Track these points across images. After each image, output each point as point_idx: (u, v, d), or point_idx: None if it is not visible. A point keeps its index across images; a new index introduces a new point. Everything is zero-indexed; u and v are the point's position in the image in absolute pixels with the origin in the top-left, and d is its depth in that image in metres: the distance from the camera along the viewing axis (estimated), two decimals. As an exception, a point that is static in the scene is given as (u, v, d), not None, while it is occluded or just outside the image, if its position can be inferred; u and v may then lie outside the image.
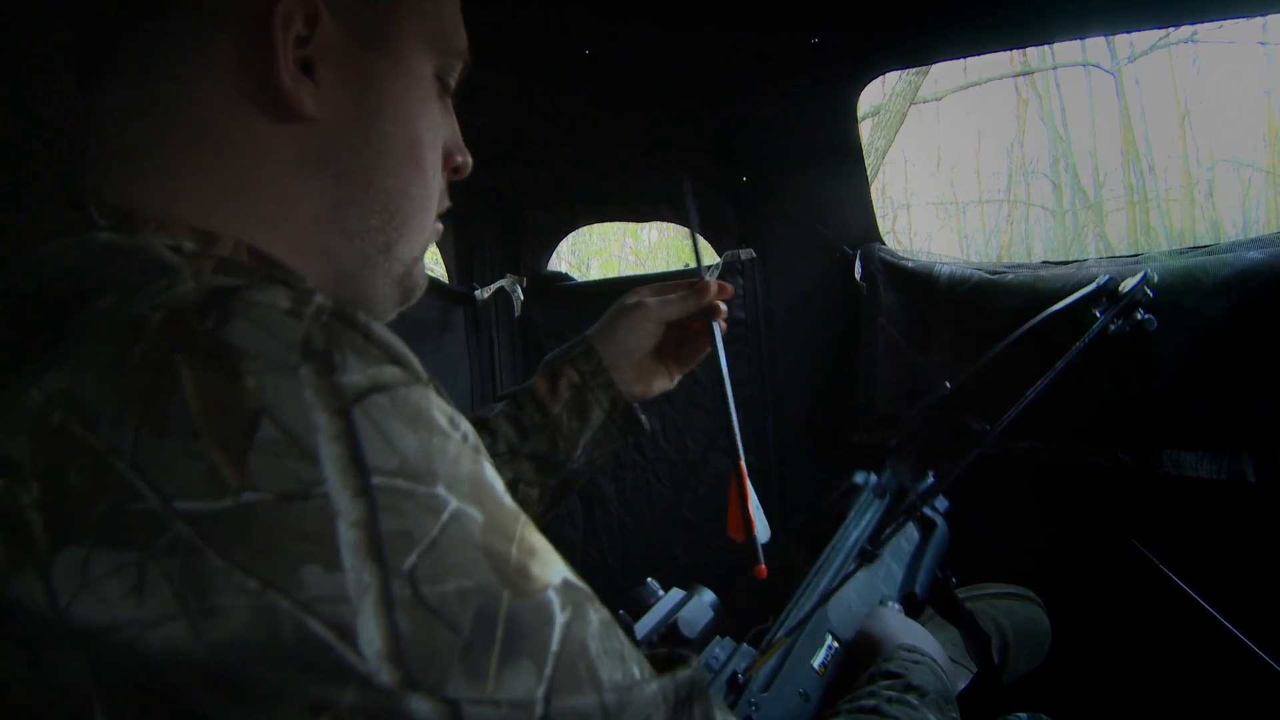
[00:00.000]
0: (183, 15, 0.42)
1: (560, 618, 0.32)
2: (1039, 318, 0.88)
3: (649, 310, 0.83)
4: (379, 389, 0.32)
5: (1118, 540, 1.12)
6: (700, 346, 0.85)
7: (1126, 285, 0.86)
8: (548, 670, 0.31)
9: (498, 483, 0.35)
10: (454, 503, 0.31)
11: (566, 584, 0.34)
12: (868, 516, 0.83)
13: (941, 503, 0.87)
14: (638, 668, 0.35)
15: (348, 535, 0.29)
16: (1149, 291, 0.86)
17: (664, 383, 0.88)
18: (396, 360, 0.34)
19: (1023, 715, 0.74)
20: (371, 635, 0.28)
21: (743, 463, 0.69)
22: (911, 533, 0.85)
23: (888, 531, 0.80)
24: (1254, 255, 1.00)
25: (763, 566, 0.62)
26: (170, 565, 0.27)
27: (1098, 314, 0.84)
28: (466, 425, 0.37)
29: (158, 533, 0.28)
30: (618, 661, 0.34)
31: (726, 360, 0.78)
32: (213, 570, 0.27)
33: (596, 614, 0.34)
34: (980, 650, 0.77)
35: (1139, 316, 0.85)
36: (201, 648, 0.27)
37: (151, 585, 0.27)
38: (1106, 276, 0.87)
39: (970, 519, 1.16)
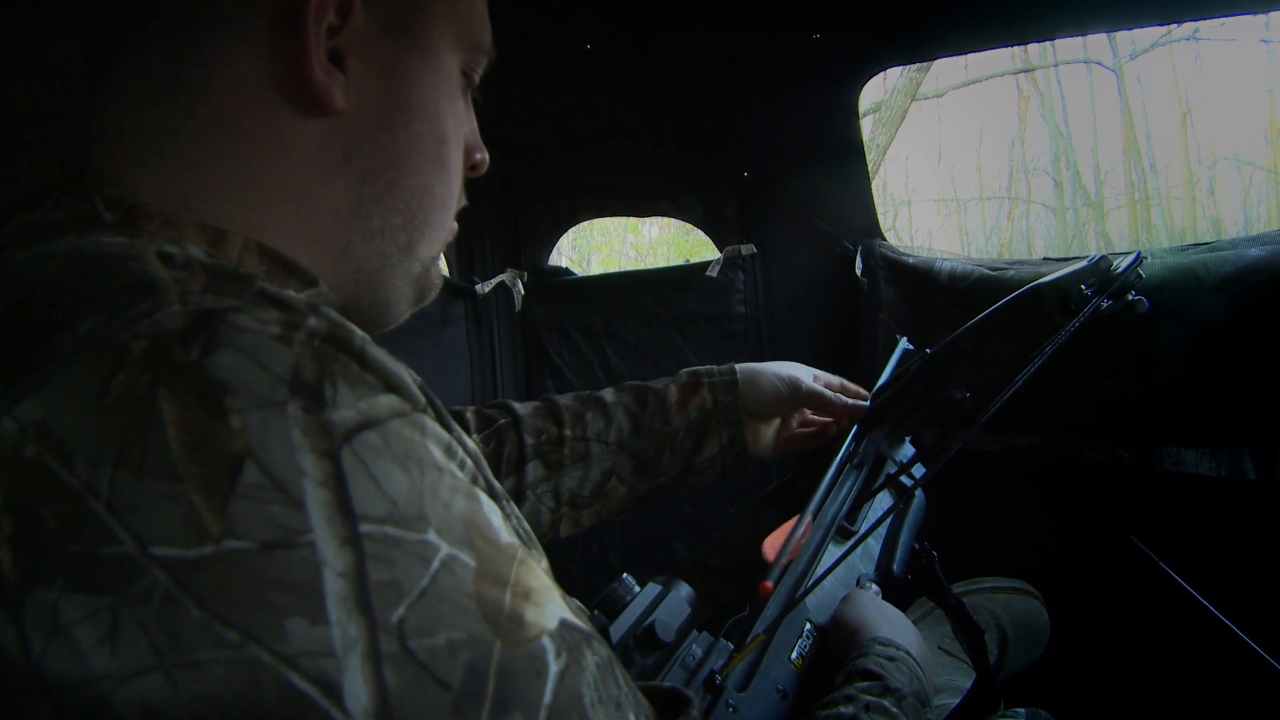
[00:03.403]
0: None
1: (554, 667, 0.31)
2: (1023, 289, 0.86)
3: (801, 387, 0.86)
4: (370, 425, 0.30)
5: (1117, 536, 1.13)
6: (810, 440, 0.89)
7: (1119, 265, 0.83)
8: None
9: (494, 517, 0.33)
10: (445, 549, 0.30)
11: (563, 626, 0.32)
12: (845, 490, 0.81)
13: (918, 470, 0.85)
14: (634, 714, 0.34)
15: (334, 586, 0.27)
16: (1141, 272, 0.83)
17: (768, 450, 0.90)
18: (392, 387, 0.33)
19: (1021, 711, 0.74)
20: (358, 692, 0.27)
21: (811, 518, 0.72)
22: (889, 506, 0.82)
23: (866, 508, 0.78)
24: (1255, 252, 0.99)
25: (769, 584, 0.64)
26: (146, 614, 0.26)
27: (1087, 292, 0.82)
28: (465, 451, 0.35)
29: (133, 579, 0.26)
30: (613, 709, 0.32)
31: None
32: (191, 621, 0.26)
33: (594, 657, 0.33)
34: (974, 646, 0.75)
35: (1130, 298, 0.83)
36: (179, 704, 0.26)
37: (126, 634, 0.26)
38: (1100, 255, 0.85)
39: (970, 514, 1.16)
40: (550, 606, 0.33)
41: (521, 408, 0.84)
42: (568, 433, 0.83)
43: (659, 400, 0.85)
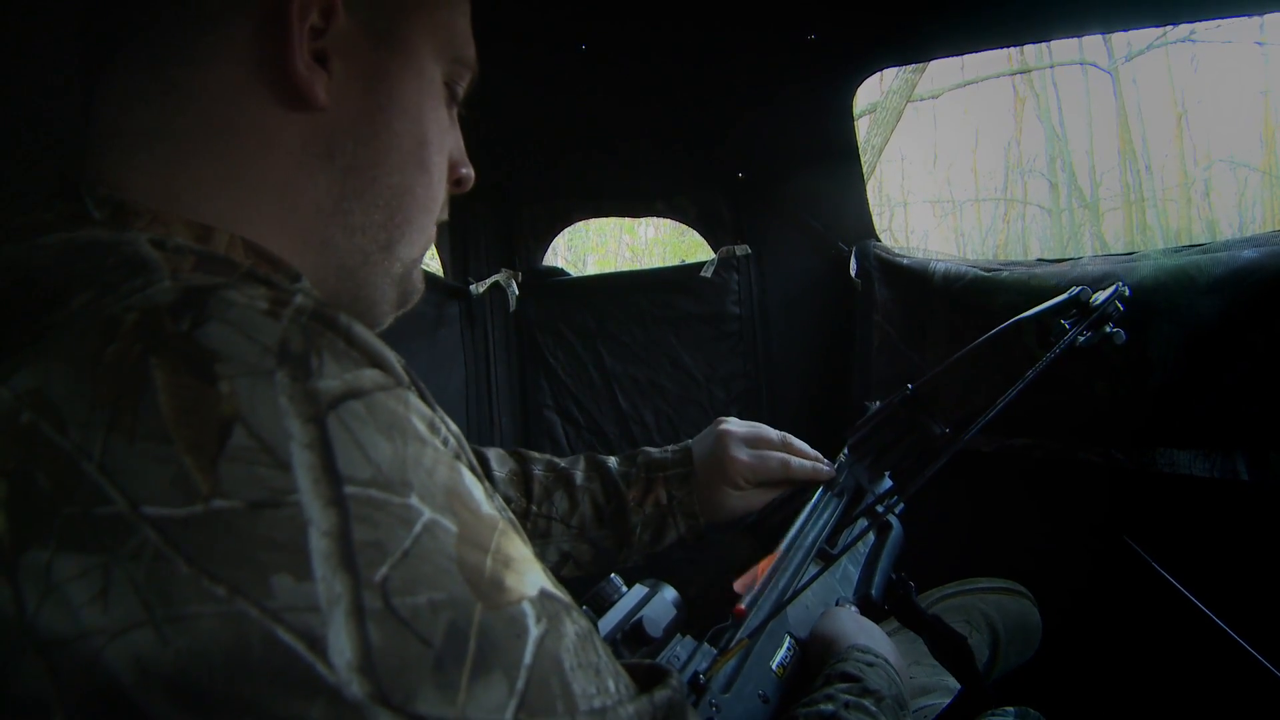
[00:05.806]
0: None
1: (534, 631, 0.31)
2: (1004, 325, 0.86)
3: (735, 458, 0.83)
4: (355, 395, 0.31)
5: (1110, 537, 1.13)
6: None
7: (1098, 298, 0.84)
8: (519, 685, 0.30)
9: (476, 490, 0.34)
10: (427, 514, 0.31)
11: (543, 594, 0.33)
12: (825, 516, 0.82)
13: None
14: (614, 682, 0.34)
15: (319, 545, 0.28)
16: (1120, 305, 0.84)
17: (734, 515, 0.86)
18: (376, 363, 0.33)
19: (1010, 710, 0.74)
20: (342, 646, 0.27)
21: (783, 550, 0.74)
22: (865, 527, 0.83)
23: (845, 534, 0.79)
24: (1248, 254, 1.00)
25: (743, 607, 0.65)
26: (136, 571, 0.27)
27: (1066, 325, 0.82)
28: (448, 430, 0.36)
29: (125, 537, 0.27)
30: (592, 676, 0.33)
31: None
32: (180, 577, 0.27)
33: (573, 625, 0.34)
34: (956, 660, 0.75)
35: (1107, 330, 0.83)
36: (168, 658, 0.26)
37: (117, 590, 0.27)
38: (1080, 288, 0.85)
39: (963, 514, 1.16)
40: (531, 575, 0.33)
41: (498, 465, 0.84)
42: (534, 508, 0.83)
43: (619, 495, 0.85)
